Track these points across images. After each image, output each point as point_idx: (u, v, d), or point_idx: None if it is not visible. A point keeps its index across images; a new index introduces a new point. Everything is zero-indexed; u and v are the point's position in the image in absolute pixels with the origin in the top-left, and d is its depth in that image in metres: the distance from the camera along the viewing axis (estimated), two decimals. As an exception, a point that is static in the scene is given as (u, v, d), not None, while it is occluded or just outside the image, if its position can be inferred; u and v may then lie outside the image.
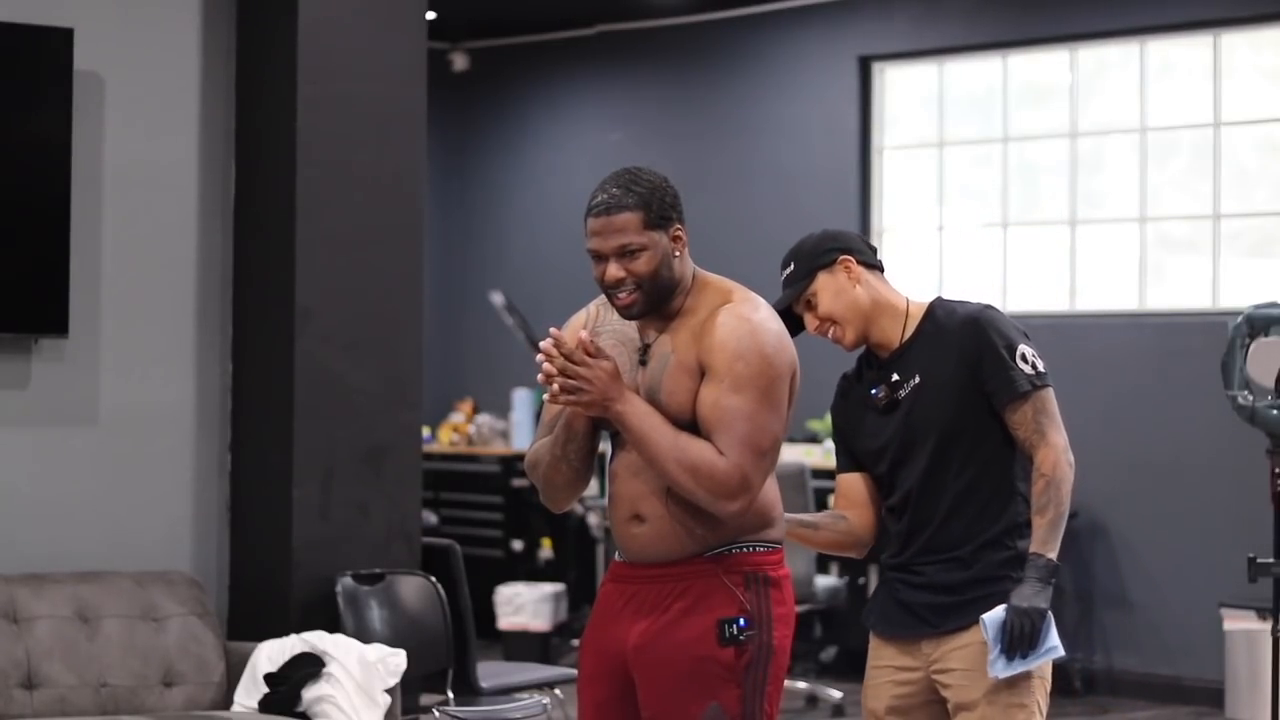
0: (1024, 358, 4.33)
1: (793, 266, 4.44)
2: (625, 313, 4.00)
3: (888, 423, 4.41)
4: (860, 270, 4.44)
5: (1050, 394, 4.36)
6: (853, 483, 4.51)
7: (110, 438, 6.54)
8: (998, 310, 4.43)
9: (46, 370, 6.46)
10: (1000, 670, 4.23)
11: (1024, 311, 10.44)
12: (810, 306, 4.43)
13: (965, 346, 4.34)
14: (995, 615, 4.23)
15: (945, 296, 4.50)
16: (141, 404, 6.59)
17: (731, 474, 3.87)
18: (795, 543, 4.51)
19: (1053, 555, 4.26)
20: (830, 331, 4.43)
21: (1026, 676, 4.29)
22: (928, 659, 4.37)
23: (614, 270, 3.95)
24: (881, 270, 4.50)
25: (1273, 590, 6.19)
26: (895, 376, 4.40)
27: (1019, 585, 4.24)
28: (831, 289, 4.41)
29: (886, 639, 4.44)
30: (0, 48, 6.31)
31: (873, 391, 4.44)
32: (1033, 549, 4.26)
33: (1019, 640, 4.20)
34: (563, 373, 3.89)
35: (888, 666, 4.43)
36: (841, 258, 4.42)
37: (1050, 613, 4.25)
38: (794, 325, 4.44)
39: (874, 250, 4.52)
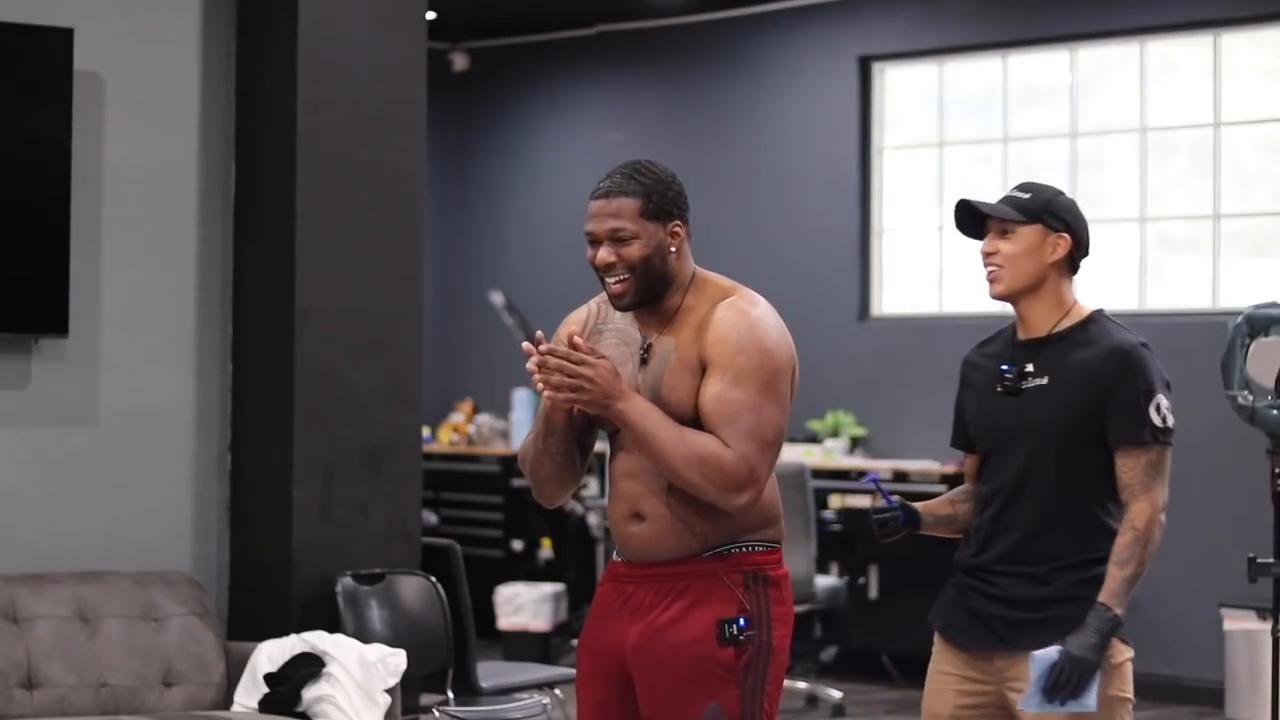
0: (1157, 409, 4.24)
1: (1029, 196, 4.32)
2: (617, 302, 4.01)
3: (1004, 406, 4.33)
4: (1065, 261, 4.33)
5: (1169, 453, 4.27)
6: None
7: (110, 438, 6.54)
8: (1150, 351, 4.32)
9: (46, 370, 6.46)
10: (1032, 707, 4.17)
11: (1024, 311, 10.44)
12: (1002, 233, 4.31)
13: (1104, 374, 4.24)
14: (1047, 655, 4.15)
15: (1108, 314, 4.38)
16: (141, 404, 6.59)
17: (739, 466, 3.87)
18: (934, 534, 4.49)
19: (1120, 611, 4.20)
20: (992, 265, 4.32)
21: (1121, 702, 4.24)
22: (1000, 674, 4.30)
23: (604, 254, 3.99)
24: (1075, 273, 4.38)
25: (1273, 590, 6.19)
26: (1030, 366, 4.31)
27: (1078, 631, 4.17)
28: (1033, 244, 4.30)
29: (955, 646, 4.37)
30: (0, 48, 6.31)
31: (1005, 368, 4.35)
32: (1102, 598, 4.19)
33: (1062, 687, 4.14)
34: (560, 371, 3.89)
35: (954, 674, 4.36)
36: (1064, 235, 4.32)
37: (1100, 669, 4.19)
38: (972, 227, 4.36)
39: (1088, 254, 4.39)
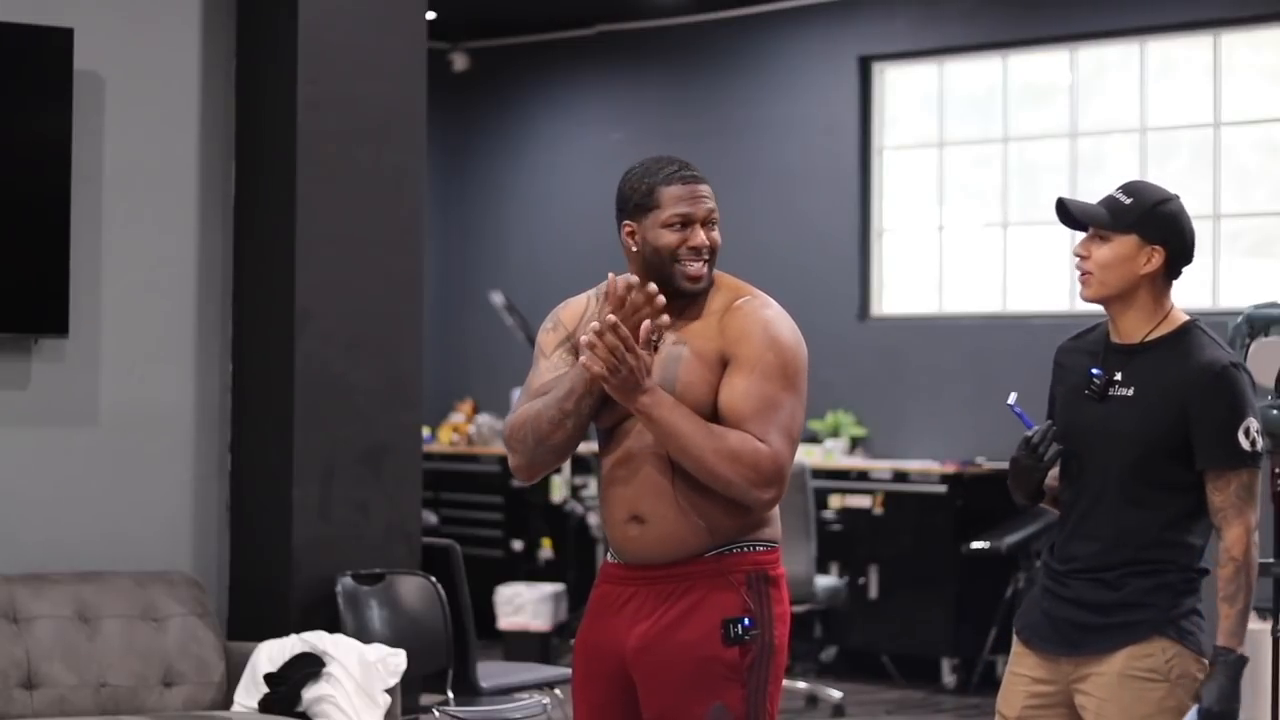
0: (1246, 432, 4.15)
1: (1130, 203, 4.27)
2: (695, 284, 4.01)
3: (1090, 411, 4.26)
4: (1161, 269, 4.30)
5: (1258, 475, 4.19)
6: None
7: (110, 438, 6.54)
8: (1244, 370, 4.24)
9: (46, 370, 6.45)
10: None
11: (1024, 311, 10.45)
12: (1100, 239, 4.25)
13: (1194, 392, 4.17)
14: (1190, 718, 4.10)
15: (1204, 327, 4.33)
16: (141, 404, 6.59)
17: (771, 461, 3.90)
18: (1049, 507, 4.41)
19: (1242, 649, 4.16)
20: (1084, 269, 4.27)
21: (1162, 712, 4.21)
22: (1067, 676, 4.25)
23: (703, 236, 4.01)
24: (1176, 278, 4.35)
25: (1273, 590, 6.19)
26: (1119, 374, 4.26)
27: (1212, 682, 4.14)
28: (1126, 253, 4.26)
29: (1029, 648, 4.32)
30: (0, 48, 6.31)
31: (1095, 372, 4.29)
32: (1221, 642, 4.16)
33: None
34: (612, 350, 3.86)
35: (1026, 675, 4.31)
36: (1159, 249, 4.28)
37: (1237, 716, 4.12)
38: (1075, 222, 4.29)
39: (1189, 261, 4.37)
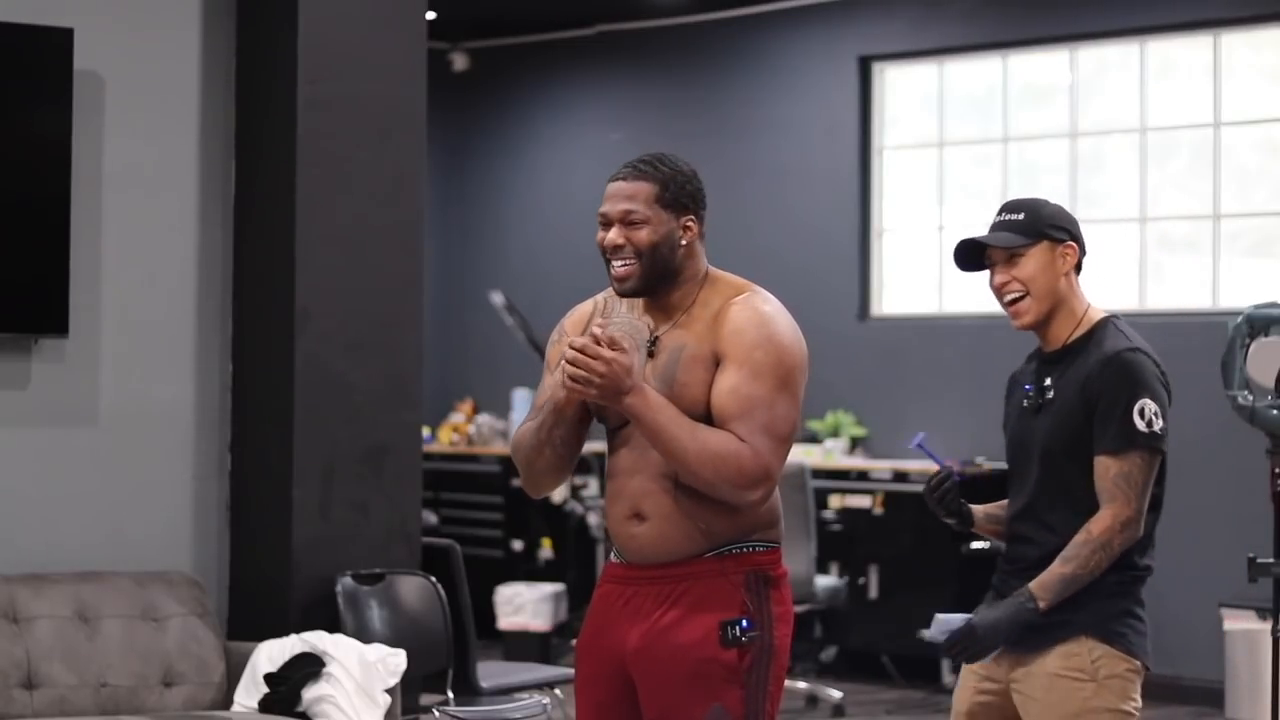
0: (1142, 413, 4.20)
1: (1022, 216, 4.31)
2: (619, 285, 4.00)
3: (1028, 424, 4.35)
4: (1071, 266, 4.34)
5: (1152, 459, 4.21)
6: None
7: (110, 438, 6.54)
8: (1144, 355, 4.28)
9: (46, 370, 6.45)
10: (929, 633, 4.23)
11: (1024, 311, 10.44)
12: (1012, 263, 4.30)
13: (1093, 382, 4.24)
14: (951, 620, 4.19)
15: (1117, 319, 4.37)
16: (141, 404, 6.59)
17: (755, 462, 3.87)
18: (988, 535, 4.49)
19: (1045, 605, 4.17)
20: (1013, 297, 4.31)
21: (1090, 711, 4.22)
22: (1006, 674, 4.32)
23: (614, 235, 3.99)
24: (1080, 272, 4.39)
25: (1273, 590, 6.19)
26: (1047, 381, 4.33)
27: (993, 605, 4.20)
28: (1045, 262, 4.30)
29: None
30: (0, 48, 6.31)
31: (1027, 389, 4.37)
32: (1033, 587, 4.18)
33: (956, 654, 4.19)
34: (574, 363, 3.88)
35: (977, 673, 4.38)
36: (1070, 243, 4.32)
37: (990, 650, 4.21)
38: (973, 263, 4.36)
39: (1085, 254, 4.40)
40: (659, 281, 3.99)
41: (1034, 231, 4.30)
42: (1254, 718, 8.71)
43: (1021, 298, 4.32)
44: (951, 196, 10.94)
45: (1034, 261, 4.30)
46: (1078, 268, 4.37)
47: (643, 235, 3.97)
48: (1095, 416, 4.22)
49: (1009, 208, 4.35)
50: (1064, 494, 4.28)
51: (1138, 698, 4.28)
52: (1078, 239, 4.35)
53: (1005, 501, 4.48)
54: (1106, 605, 4.23)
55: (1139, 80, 10.19)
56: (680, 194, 4.00)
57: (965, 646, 4.22)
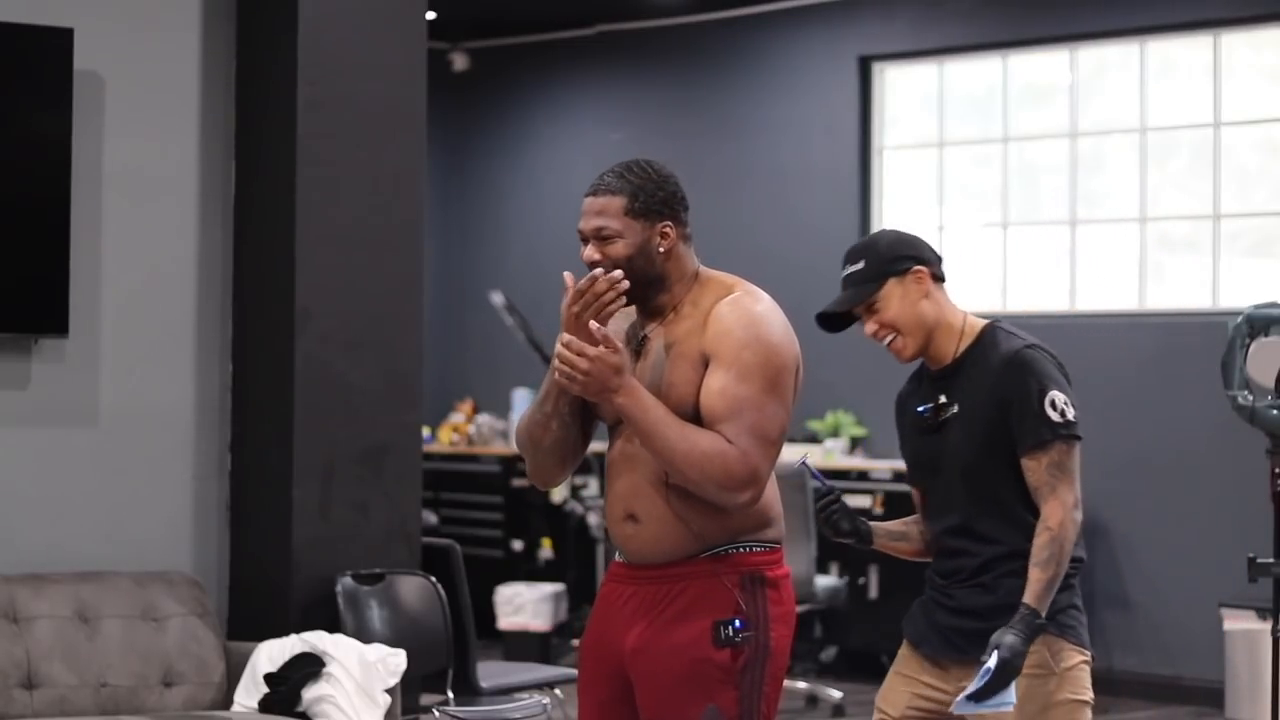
0: (1053, 404, 4.24)
1: (862, 265, 4.36)
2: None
3: (929, 442, 4.39)
4: (930, 284, 4.38)
5: (1073, 447, 4.25)
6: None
7: (110, 438, 6.54)
8: (1042, 350, 4.34)
9: (46, 370, 6.45)
10: (963, 709, 4.19)
11: (1024, 311, 10.44)
12: (873, 311, 4.36)
13: (1001, 384, 4.27)
14: (993, 661, 4.15)
15: (1001, 323, 4.42)
16: (141, 404, 6.59)
17: (742, 463, 3.86)
18: (888, 553, 4.55)
19: (1044, 611, 4.19)
20: (889, 340, 4.36)
21: (1053, 705, 4.26)
22: (956, 682, 4.32)
23: (589, 252, 4.00)
24: (944, 282, 4.44)
25: (1273, 590, 6.19)
26: (943, 398, 4.36)
27: (1006, 633, 4.15)
28: (899, 297, 4.34)
29: (919, 654, 4.42)
30: (0, 48, 6.31)
31: (920, 410, 4.41)
32: (1028, 599, 4.18)
33: (991, 690, 4.15)
34: (559, 358, 3.89)
35: (912, 678, 4.41)
36: (916, 268, 4.36)
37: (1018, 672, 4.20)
38: (840, 324, 4.43)
39: (941, 260, 4.45)
40: (643, 290, 3.99)
41: (877, 275, 4.35)
42: (1254, 718, 8.71)
43: (895, 337, 4.37)
44: (951, 196, 10.94)
45: (891, 301, 4.35)
46: (939, 280, 4.41)
47: (617, 249, 3.96)
48: (1011, 418, 4.25)
49: (849, 258, 4.40)
50: (992, 500, 4.30)
51: (1090, 686, 4.35)
52: (923, 258, 4.39)
53: (909, 519, 4.53)
54: (1058, 600, 4.25)
55: (1139, 80, 10.19)
56: (651, 202, 3.98)
57: (1005, 679, 4.14)
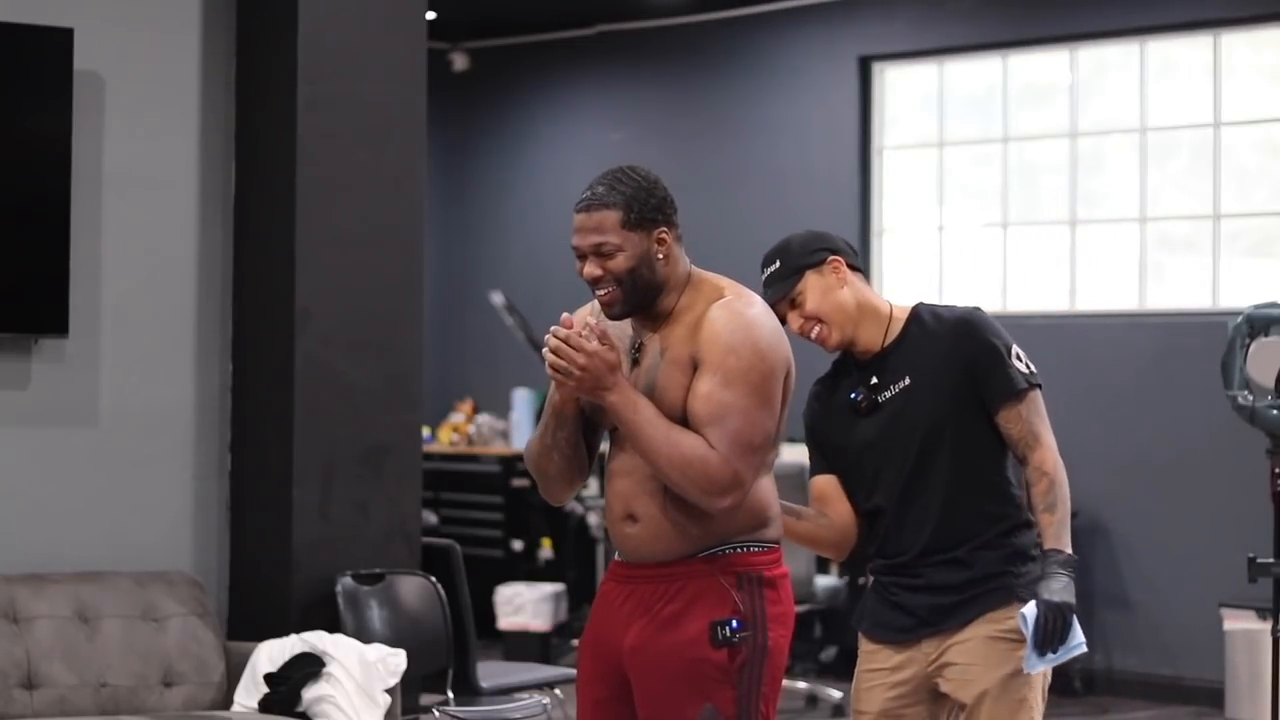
0: (1019, 357, 4.38)
1: (778, 265, 4.45)
2: (607, 311, 4.00)
3: (869, 425, 4.42)
4: (847, 272, 4.44)
5: (1040, 395, 4.40)
6: (830, 485, 4.51)
7: (110, 438, 6.54)
8: (985, 312, 4.46)
9: (46, 370, 6.45)
10: (1034, 666, 4.24)
11: (1024, 311, 10.44)
12: (795, 305, 4.42)
13: (961, 346, 4.36)
14: (1030, 610, 4.22)
15: (926, 302, 4.51)
16: (141, 404, 6.59)
17: (723, 469, 3.86)
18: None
19: (1069, 550, 4.28)
20: (815, 331, 4.42)
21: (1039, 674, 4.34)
22: (928, 657, 4.38)
23: (590, 268, 3.97)
24: (864, 273, 4.51)
25: (1273, 590, 6.19)
26: (875, 380, 4.41)
27: (1046, 580, 4.23)
28: (819, 289, 4.41)
29: (882, 642, 4.45)
30: (0, 48, 6.31)
31: (853, 396, 4.45)
32: (1050, 545, 4.28)
33: (1051, 635, 4.20)
34: (556, 352, 3.89)
35: (882, 669, 4.44)
36: (831, 258, 4.43)
37: (1075, 608, 4.26)
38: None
39: (856, 253, 4.54)
40: (646, 299, 3.99)
41: (793, 271, 4.43)
42: (1254, 718, 8.71)
43: (820, 328, 4.43)
44: (951, 196, 10.94)
45: (810, 294, 4.41)
46: (856, 270, 4.48)
47: (619, 263, 3.96)
48: (979, 376, 4.35)
49: (765, 262, 4.48)
50: (968, 467, 4.37)
51: None
52: (836, 249, 4.46)
53: (798, 508, 4.52)
54: (1027, 568, 4.35)
55: (1139, 80, 10.19)
56: (645, 210, 3.97)
57: (1054, 624, 4.21)
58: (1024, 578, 4.34)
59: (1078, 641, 4.25)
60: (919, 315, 4.44)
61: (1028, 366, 4.38)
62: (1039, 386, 4.38)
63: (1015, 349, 4.39)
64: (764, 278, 4.46)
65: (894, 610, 4.42)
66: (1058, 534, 4.28)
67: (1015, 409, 4.34)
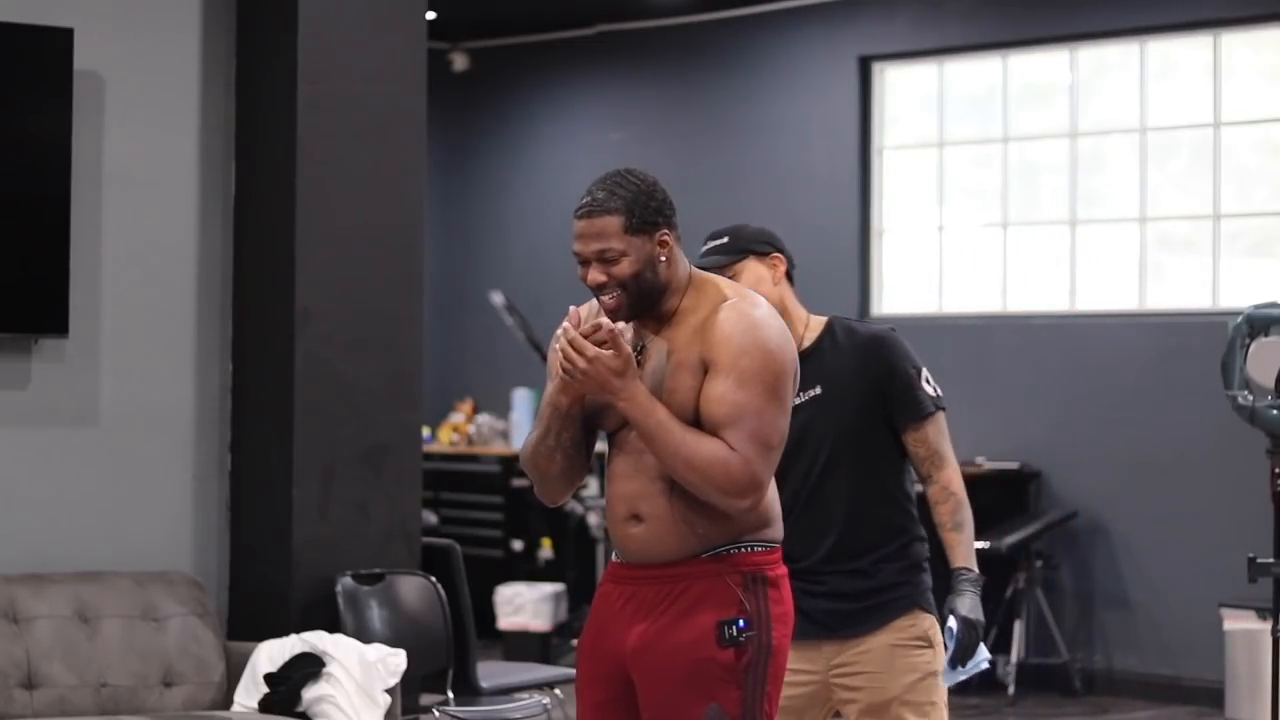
0: (928, 380, 4.56)
1: (726, 239, 4.57)
2: (612, 316, 3.99)
3: None
4: (782, 274, 4.58)
5: (944, 418, 4.58)
6: None
7: (110, 438, 6.54)
8: (898, 334, 4.62)
9: (46, 370, 6.46)
10: (951, 679, 4.47)
11: (1024, 311, 10.45)
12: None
13: (872, 364, 4.52)
14: (952, 625, 4.44)
15: (842, 316, 4.66)
16: (141, 404, 6.59)
17: (743, 470, 3.87)
18: None
19: (976, 569, 4.52)
20: None
21: (932, 674, 4.52)
22: (828, 663, 4.54)
23: (594, 274, 3.96)
24: (793, 283, 4.64)
25: (1273, 590, 6.19)
26: None
27: (960, 596, 4.47)
28: (754, 274, 4.53)
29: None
30: (0, 48, 6.31)
31: None
32: (960, 564, 4.51)
33: (968, 651, 4.43)
34: (563, 354, 3.89)
35: (788, 667, 4.49)
36: (775, 254, 4.57)
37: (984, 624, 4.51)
38: None
39: (795, 267, 4.66)
40: (649, 302, 3.98)
41: (738, 249, 4.57)
42: (1254, 718, 8.71)
43: None
44: (951, 196, 10.94)
45: (745, 275, 4.53)
46: (790, 278, 4.62)
47: (623, 268, 3.95)
48: (890, 393, 4.52)
49: (713, 235, 4.62)
50: (873, 477, 4.53)
51: None
52: (784, 251, 4.60)
53: None
54: (923, 579, 4.57)
55: (1139, 80, 10.19)
56: (646, 214, 3.96)
57: (969, 638, 4.45)
58: (920, 587, 4.56)
59: (984, 657, 4.49)
60: (833, 328, 4.59)
61: (935, 390, 4.56)
62: (944, 409, 4.56)
63: (924, 372, 4.56)
64: (708, 246, 4.58)
65: (797, 614, 4.42)
66: (966, 553, 4.50)
67: (923, 430, 4.53)
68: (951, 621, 4.44)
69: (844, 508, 4.51)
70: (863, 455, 4.51)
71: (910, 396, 4.53)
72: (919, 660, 4.53)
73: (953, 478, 4.53)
